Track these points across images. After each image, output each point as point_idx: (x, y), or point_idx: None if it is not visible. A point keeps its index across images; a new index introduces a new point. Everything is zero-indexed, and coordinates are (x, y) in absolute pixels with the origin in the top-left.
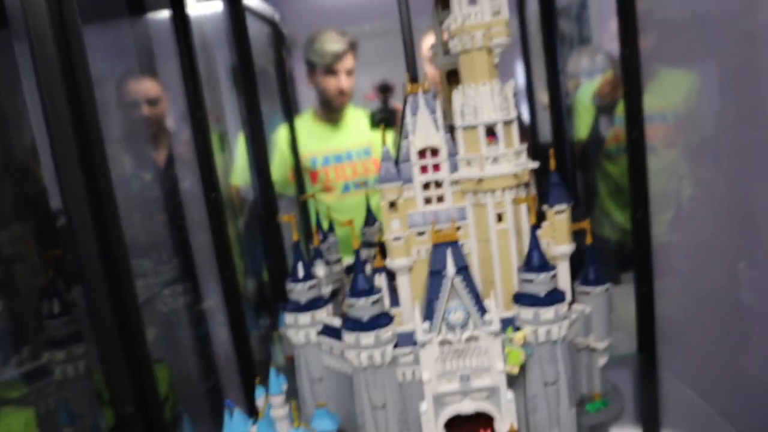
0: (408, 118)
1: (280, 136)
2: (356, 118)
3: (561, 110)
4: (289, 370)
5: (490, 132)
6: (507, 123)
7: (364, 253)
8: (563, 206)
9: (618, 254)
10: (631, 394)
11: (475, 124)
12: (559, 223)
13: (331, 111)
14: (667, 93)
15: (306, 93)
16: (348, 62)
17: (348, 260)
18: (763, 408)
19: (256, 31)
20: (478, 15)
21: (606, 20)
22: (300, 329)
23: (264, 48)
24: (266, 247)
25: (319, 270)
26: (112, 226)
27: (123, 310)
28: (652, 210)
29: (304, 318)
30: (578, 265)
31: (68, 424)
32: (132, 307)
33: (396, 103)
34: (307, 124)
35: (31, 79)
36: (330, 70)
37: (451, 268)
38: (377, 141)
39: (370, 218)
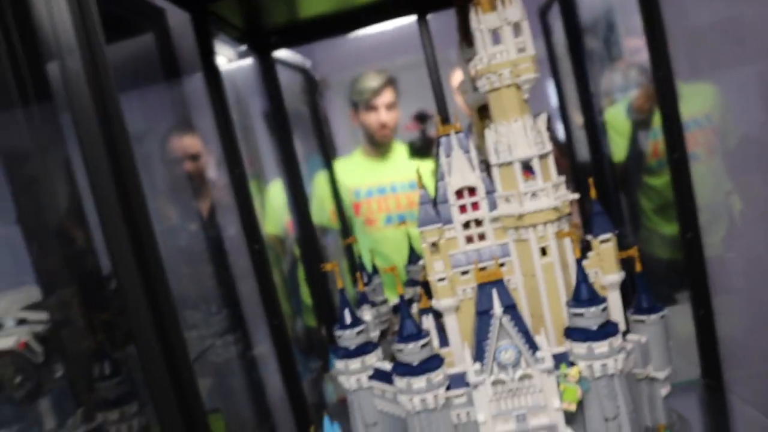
0: (442, 159)
1: (318, 180)
2: (402, 153)
3: (596, 130)
4: (342, 411)
5: (527, 167)
6: (542, 157)
7: (410, 291)
8: (608, 235)
9: (672, 272)
10: (699, 423)
11: (511, 161)
12: (605, 252)
13: (377, 146)
14: (693, 102)
15: (343, 135)
16: (387, 97)
17: (394, 299)
18: None
19: (288, 79)
20: (504, 53)
21: (635, 36)
22: (351, 375)
23: (297, 94)
24: (312, 290)
25: (366, 314)
26: (160, 285)
27: (175, 365)
28: (702, 224)
29: (355, 364)
30: (630, 290)
31: None
32: (183, 362)
33: (434, 131)
34: (356, 161)
35: (75, 146)
36: (370, 106)
37: (497, 307)
38: (422, 173)
39: (413, 256)
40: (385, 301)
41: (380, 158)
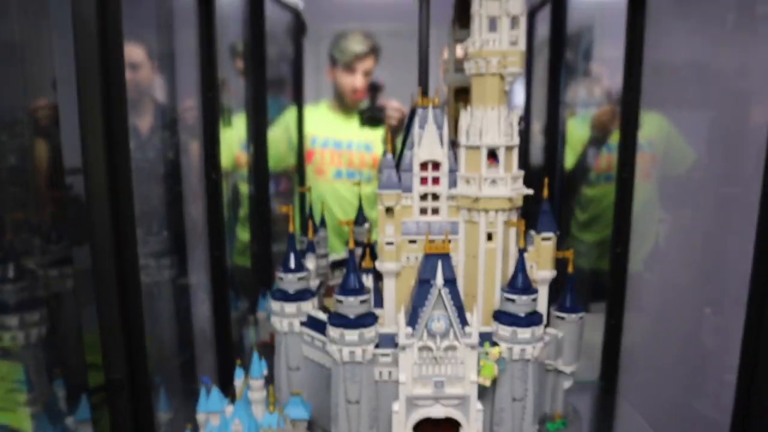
0: (415, 130)
1: (288, 117)
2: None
3: (557, 137)
4: (263, 354)
5: (492, 155)
6: (509, 148)
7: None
8: (550, 234)
9: (590, 283)
10: (588, 419)
11: (479, 146)
12: (544, 249)
13: (344, 107)
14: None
15: (310, 83)
16: (367, 64)
17: (334, 256)
18: None
19: (274, 15)
20: (496, 42)
21: (607, 56)
22: (285, 318)
23: (282, 34)
24: (254, 232)
25: (310, 263)
26: (123, 191)
27: (124, 268)
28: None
29: (291, 308)
30: (555, 290)
31: (28, 390)
32: (132, 273)
33: (385, 100)
34: (320, 111)
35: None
36: (349, 68)
37: (440, 278)
38: (377, 138)
39: (361, 218)
40: (325, 255)
41: (344, 115)
